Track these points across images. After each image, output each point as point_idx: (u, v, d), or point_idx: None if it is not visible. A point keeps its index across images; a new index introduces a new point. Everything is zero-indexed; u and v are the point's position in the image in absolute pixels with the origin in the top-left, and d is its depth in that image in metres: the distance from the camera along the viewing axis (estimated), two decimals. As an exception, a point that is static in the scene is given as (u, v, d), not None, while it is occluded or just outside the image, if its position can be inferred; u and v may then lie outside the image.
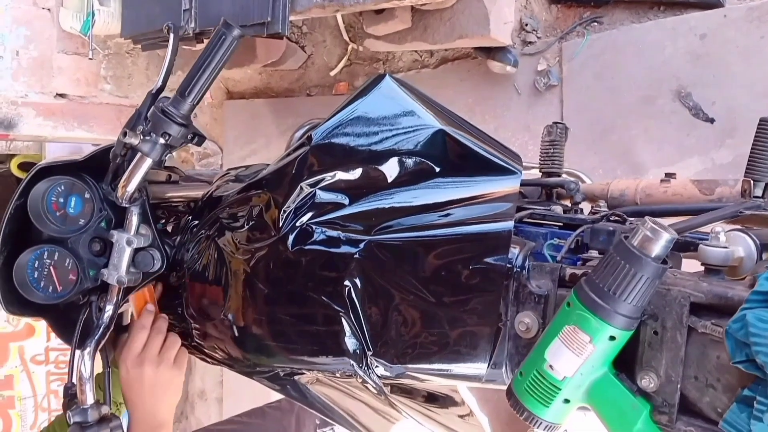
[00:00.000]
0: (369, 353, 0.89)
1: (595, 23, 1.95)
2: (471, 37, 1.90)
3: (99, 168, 1.03)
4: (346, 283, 0.89)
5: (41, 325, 3.21)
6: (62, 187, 1.02)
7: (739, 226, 0.87)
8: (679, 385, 0.73)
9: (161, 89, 0.99)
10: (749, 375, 0.66)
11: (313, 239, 0.92)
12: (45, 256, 1.02)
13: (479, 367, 0.87)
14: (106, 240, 1.02)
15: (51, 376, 3.26)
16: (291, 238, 0.92)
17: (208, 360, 1.12)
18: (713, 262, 0.75)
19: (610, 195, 1.28)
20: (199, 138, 0.99)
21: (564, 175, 1.41)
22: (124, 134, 0.92)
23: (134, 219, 1.00)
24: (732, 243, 0.78)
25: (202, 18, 2.25)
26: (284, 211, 0.93)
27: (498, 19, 1.88)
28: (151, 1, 2.33)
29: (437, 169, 0.90)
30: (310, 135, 0.93)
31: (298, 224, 0.92)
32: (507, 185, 0.91)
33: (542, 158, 1.34)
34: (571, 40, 2.00)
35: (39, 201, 1.00)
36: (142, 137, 0.92)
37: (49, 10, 2.62)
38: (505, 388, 0.90)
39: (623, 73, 1.88)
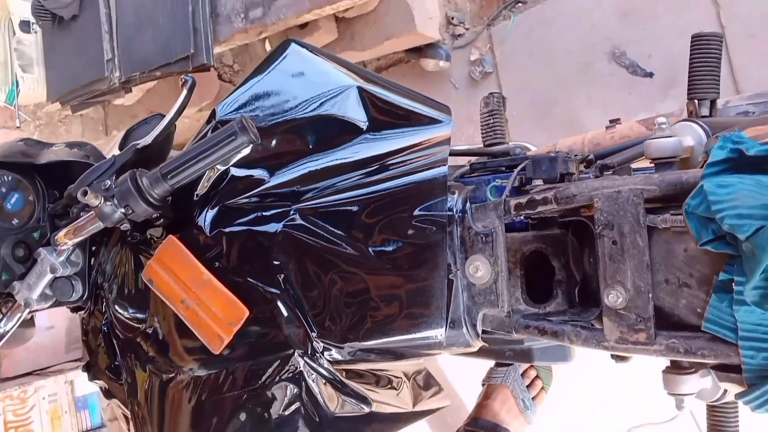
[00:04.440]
0: (313, 335, 0.79)
1: (520, 3, 1.94)
2: (399, 35, 1.86)
3: (55, 177, 0.94)
4: (276, 261, 0.80)
5: None
6: (9, 179, 0.93)
7: (685, 117, 0.80)
8: (650, 295, 0.64)
9: (149, 147, 0.90)
10: (722, 256, 0.58)
11: (232, 220, 0.83)
12: None
13: (437, 331, 0.77)
14: (32, 249, 0.93)
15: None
16: (208, 222, 0.83)
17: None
18: (662, 154, 0.68)
19: (557, 152, 1.23)
20: (164, 219, 0.88)
21: (510, 144, 1.36)
22: (84, 193, 0.80)
23: (70, 247, 0.90)
24: (680, 133, 0.71)
25: (126, 65, 2.20)
26: (197, 195, 0.84)
27: (422, 14, 1.86)
28: (72, 58, 2.28)
29: (363, 127, 0.83)
30: (214, 110, 0.86)
31: (214, 207, 0.84)
32: (438, 133, 0.84)
33: (483, 130, 1.29)
34: (499, 25, 1.99)
35: None
36: (103, 200, 0.80)
37: (-29, 85, 2.55)
38: (469, 350, 0.81)
39: (555, 45, 1.86)
